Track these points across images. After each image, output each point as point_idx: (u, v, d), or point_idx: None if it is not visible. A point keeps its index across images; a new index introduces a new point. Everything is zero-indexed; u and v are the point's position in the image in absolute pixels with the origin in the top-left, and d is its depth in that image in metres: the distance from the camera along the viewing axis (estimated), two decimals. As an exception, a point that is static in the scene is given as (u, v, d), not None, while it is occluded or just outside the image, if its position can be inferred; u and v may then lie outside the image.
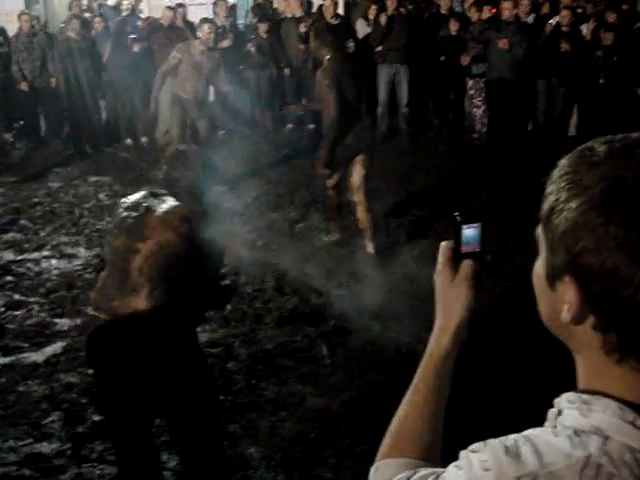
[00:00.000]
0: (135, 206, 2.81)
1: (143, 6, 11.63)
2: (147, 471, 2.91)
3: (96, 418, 3.81)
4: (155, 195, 2.85)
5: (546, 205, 0.87)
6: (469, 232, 1.16)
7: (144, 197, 2.85)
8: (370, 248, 5.86)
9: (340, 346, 4.44)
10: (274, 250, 5.98)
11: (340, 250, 5.95)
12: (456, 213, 1.18)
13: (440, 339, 1.18)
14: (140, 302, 2.65)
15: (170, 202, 2.79)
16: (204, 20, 8.03)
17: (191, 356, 2.84)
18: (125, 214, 2.80)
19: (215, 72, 7.66)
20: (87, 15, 10.91)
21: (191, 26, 9.89)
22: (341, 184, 6.01)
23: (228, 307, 4.91)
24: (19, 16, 9.73)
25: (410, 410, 1.15)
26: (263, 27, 9.91)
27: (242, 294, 5.15)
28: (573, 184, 0.83)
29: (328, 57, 5.71)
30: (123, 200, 2.93)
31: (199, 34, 7.86)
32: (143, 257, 2.66)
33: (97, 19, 10.18)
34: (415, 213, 6.83)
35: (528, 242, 1.03)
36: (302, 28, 9.71)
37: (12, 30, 10.17)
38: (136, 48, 9.23)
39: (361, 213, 5.85)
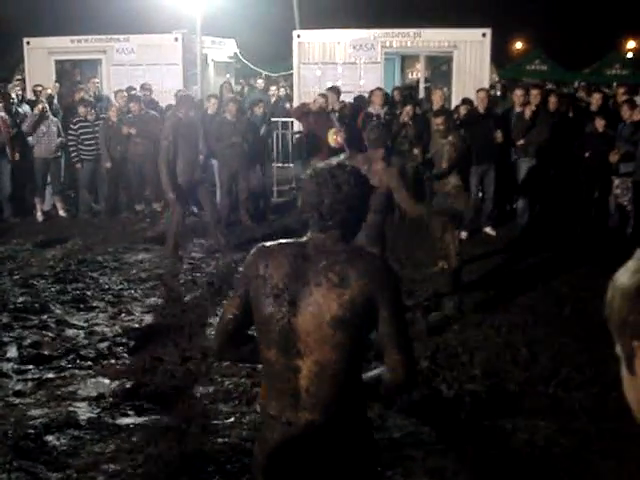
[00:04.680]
0: None
1: (295, 92, 12.25)
2: None
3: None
4: None
5: None
6: None
7: None
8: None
9: (470, 443, 4.28)
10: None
11: (474, 343, 5.82)
12: None
13: None
14: None
15: None
16: None
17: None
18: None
19: None
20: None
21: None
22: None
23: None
24: (176, 94, 10.49)
25: None
26: (408, 109, 9.88)
27: (371, 379, 5.09)
28: None
29: (451, 138, 7.38)
30: None
31: None
32: None
33: (256, 107, 10.92)
34: (553, 312, 6.62)
35: None
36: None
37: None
38: None
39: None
